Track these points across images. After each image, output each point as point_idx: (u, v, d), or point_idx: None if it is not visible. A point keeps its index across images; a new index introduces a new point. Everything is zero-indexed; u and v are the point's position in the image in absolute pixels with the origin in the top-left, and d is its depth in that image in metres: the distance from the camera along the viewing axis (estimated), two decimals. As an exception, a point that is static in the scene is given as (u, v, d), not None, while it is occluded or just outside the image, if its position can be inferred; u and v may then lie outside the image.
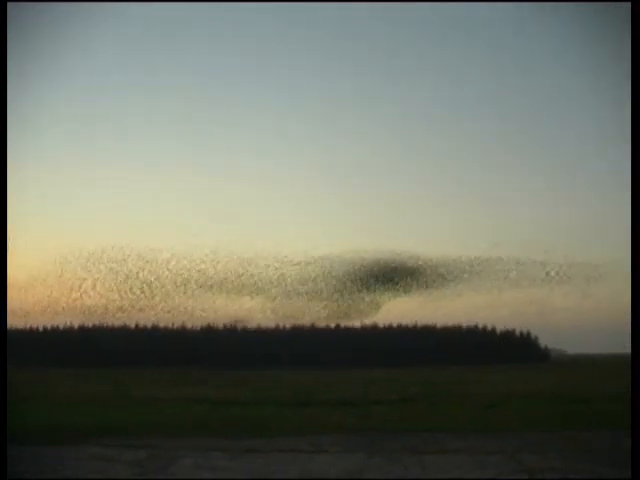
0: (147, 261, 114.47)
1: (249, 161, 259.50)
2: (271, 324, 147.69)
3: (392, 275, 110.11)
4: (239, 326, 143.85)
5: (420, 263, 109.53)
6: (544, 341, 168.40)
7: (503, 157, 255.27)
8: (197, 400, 34.85)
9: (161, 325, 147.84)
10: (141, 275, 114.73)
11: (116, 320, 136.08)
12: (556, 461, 15.65)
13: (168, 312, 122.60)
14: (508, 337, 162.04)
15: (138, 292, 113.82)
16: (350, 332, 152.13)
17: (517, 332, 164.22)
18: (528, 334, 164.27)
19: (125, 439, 19.81)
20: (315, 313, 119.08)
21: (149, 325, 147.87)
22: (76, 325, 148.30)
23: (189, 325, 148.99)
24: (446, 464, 15.67)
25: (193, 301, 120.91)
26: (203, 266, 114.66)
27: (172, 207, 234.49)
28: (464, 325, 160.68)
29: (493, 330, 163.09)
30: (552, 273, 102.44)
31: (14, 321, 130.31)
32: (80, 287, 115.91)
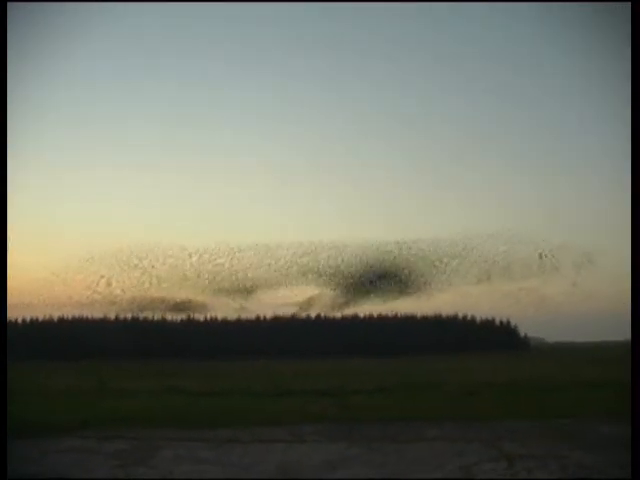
0: (169, 256, 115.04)
1: (256, 158, 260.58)
2: (251, 315, 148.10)
3: (391, 271, 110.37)
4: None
5: (420, 255, 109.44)
6: (524, 329, 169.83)
7: (498, 151, 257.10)
8: (177, 391, 34.76)
9: (141, 317, 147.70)
10: (157, 271, 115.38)
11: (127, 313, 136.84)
12: (536, 448, 15.77)
13: (177, 306, 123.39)
14: (488, 326, 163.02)
15: (147, 285, 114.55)
16: (330, 322, 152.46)
17: (497, 321, 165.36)
18: (508, 323, 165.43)
19: (105, 431, 19.78)
20: (324, 303, 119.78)
21: (129, 317, 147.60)
22: (55, 317, 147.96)
23: (169, 317, 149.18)
24: (425, 452, 15.76)
25: (204, 297, 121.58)
26: (220, 261, 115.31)
27: (185, 204, 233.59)
28: (444, 314, 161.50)
29: (473, 319, 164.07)
30: (543, 256, 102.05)
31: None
32: (97, 283, 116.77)
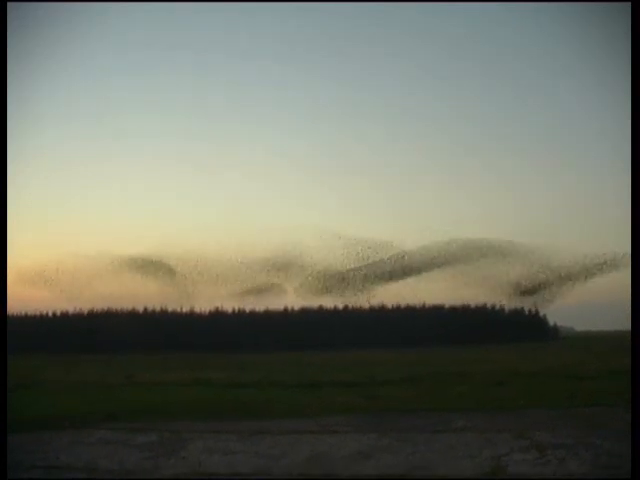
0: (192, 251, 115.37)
1: (272, 154, 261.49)
2: (279, 307, 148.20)
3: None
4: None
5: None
6: (553, 319, 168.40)
7: (512, 150, 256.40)
8: (206, 383, 34.95)
9: (169, 309, 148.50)
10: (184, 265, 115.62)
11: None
12: (565, 438, 15.66)
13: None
14: (517, 315, 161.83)
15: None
16: (358, 313, 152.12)
17: (526, 310, 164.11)
18: (536, 312, 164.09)
19: (135, 423, 19.91)
20: None
21: (157, 309, 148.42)
22: (85, 311, 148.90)
23: (198, 309, 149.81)
24: (455, 442, 15.70)
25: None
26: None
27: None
28: (472, 304, 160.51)
29: (502, 309, 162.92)
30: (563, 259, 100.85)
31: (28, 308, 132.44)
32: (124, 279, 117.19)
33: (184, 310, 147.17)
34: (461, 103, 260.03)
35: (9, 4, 14.56)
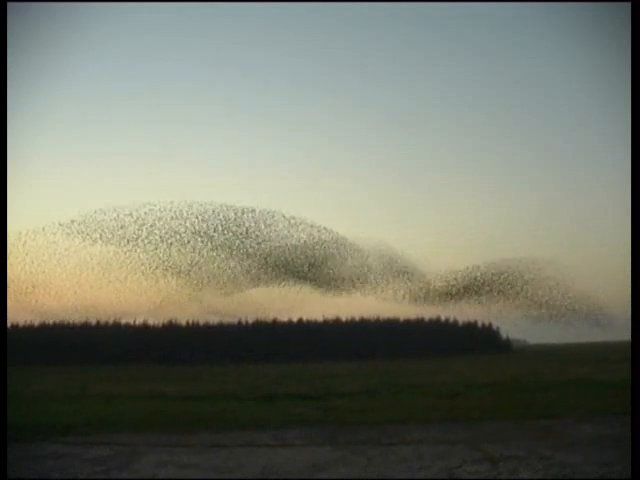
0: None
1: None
2: (234, 319, 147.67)
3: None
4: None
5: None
6: (506, 331, 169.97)
7: (499, 151, 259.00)
8: (159, 396, 34.67)
9: (123, 322, 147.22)
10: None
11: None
12: (519, 449, 15.81)
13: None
14: (470, 328, 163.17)
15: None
16: (313, 326, 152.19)
17: (479, 323, 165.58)
18: (490, 325, 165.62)
19: (87, 436, 19.66)
20: None
21: (110, 322, 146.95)
22: (36, 323, 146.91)
23: (151, 322, 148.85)
24: (409, 455, 15.76)
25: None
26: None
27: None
28: (426, 317, 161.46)
29: (455, 322, 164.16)
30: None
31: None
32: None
33: (137, 322, 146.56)
34: (458, 105, 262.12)
35: (9, 4, 14.47)
